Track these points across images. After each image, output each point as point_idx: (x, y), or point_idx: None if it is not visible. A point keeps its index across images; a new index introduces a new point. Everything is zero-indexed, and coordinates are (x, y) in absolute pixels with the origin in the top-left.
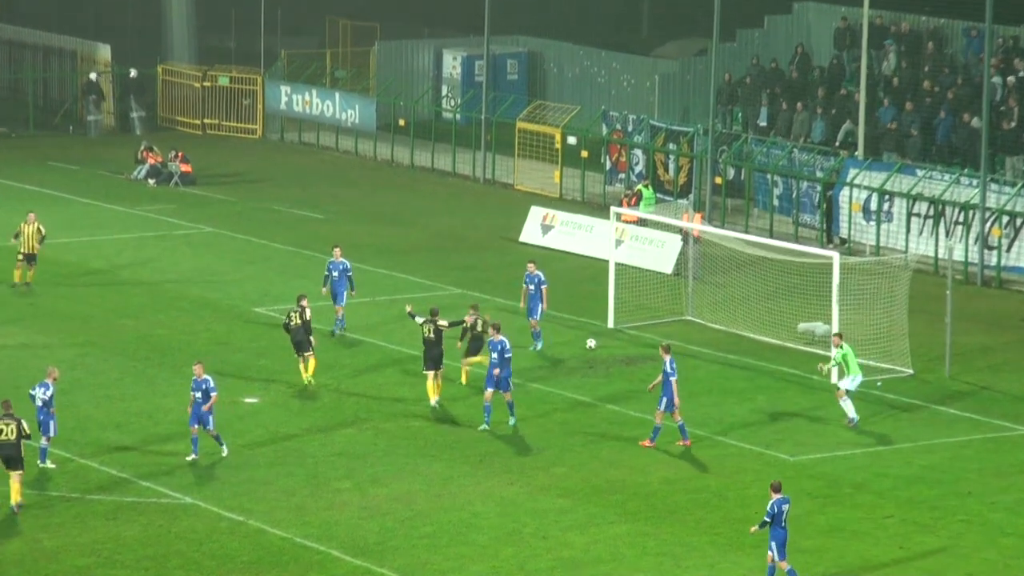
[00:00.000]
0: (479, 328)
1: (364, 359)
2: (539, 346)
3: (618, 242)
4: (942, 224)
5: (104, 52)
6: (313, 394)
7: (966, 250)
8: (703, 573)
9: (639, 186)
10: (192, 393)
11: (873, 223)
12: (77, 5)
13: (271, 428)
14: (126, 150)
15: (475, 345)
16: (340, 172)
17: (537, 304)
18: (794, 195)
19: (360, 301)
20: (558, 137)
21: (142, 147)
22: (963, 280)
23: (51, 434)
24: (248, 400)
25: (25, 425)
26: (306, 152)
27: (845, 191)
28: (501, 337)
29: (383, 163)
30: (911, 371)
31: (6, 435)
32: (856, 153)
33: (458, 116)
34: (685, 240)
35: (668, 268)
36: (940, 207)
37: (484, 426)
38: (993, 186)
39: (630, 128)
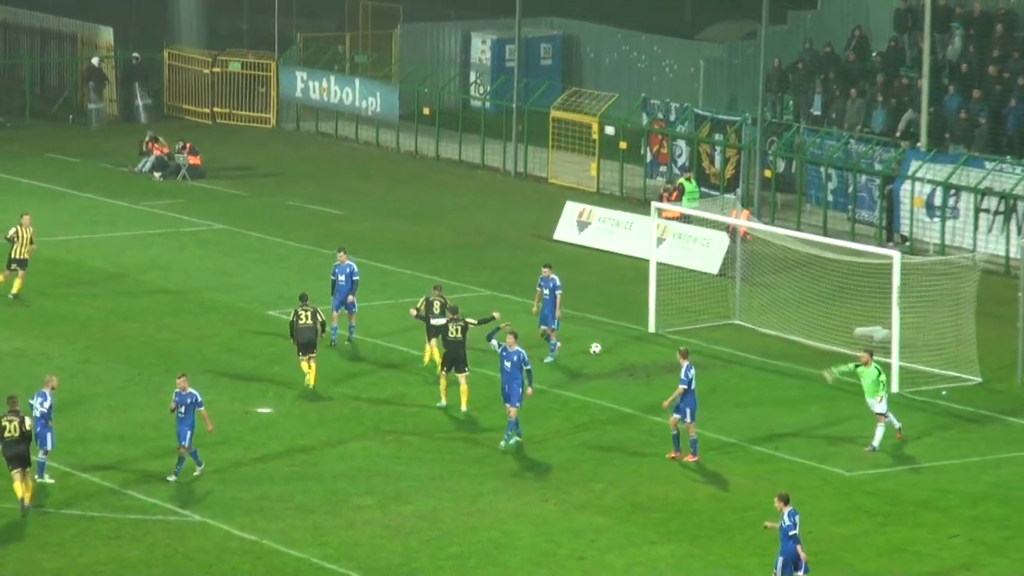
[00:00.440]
0: (436, 310)
1: (386, 367)
2: (552, 357)
3: (660, 240)
4: (1013, 220)
5: (106, 35)
6: (331, 404)
7: None
8: None
9: (681, 179)
10: (178, 408)
11: (937, 220)
12: None
13: (286, 440)
14: (130, 141)
15: (436, 329)
16: (360, 165)
17: (553, 311)
18: (850, 190)
19: (382, 303)
20: (595, 127)
21: (147, 138)
22: None
23: (49, 447)
24: (261, 410)
25: (28, 422)
26: (323, 143)
27: (906, 185)
28: (518, 347)
29: (406, 155)
30: (979, 379)
31: (10, 432)
32: (918, 144)
33: (487, 104)
34: (732, 238)
35: (714, 268)
36: (1011, 202)
37: (510, 442)
38: None
39: (672, 117)
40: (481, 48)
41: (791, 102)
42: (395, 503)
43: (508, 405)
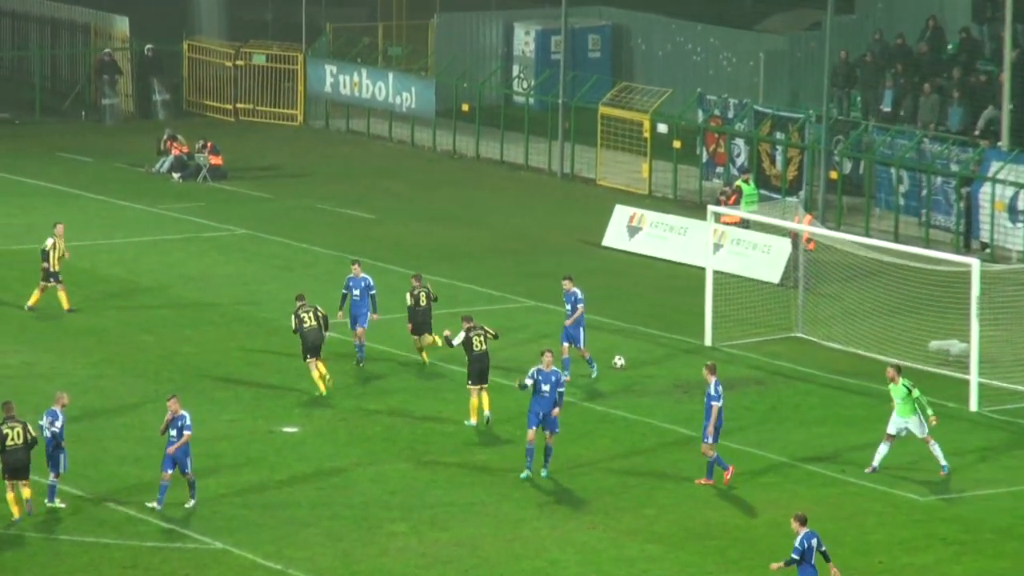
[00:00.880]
0: (422, 302)
1: (422, 382)
2: (595, 372)
3: (716, 246)
4: None
5: (122, 25)
6: (362, 422)
7: None
8: None
9: (738, 181)
10: (168, 431)
11: (1020, 225)
12: None
13: (314, 462)
14: (147, 139)
15: (422, 320)
16: (394, 165)
17: (577, 328)
18: (924, 193)
19: None
20: (647, 124)
21: (165, 136)
22: None
23: (61, 470)
24: (287, 430)
25: (31, 429)
26: (354, 142)
27: (986, 187)
28: (554, 367)
29: (444, 154)
30: None
31: (13, 439)
32: (999, 143)
33: (531, 100)
34: (794, 244)
35: (775, 277)
36: None
37: (526, 473)
38: None
39: (730, 114)
40: (524, 39)
41: (859, 98)
42: (431, 529)
43: (545, 430)
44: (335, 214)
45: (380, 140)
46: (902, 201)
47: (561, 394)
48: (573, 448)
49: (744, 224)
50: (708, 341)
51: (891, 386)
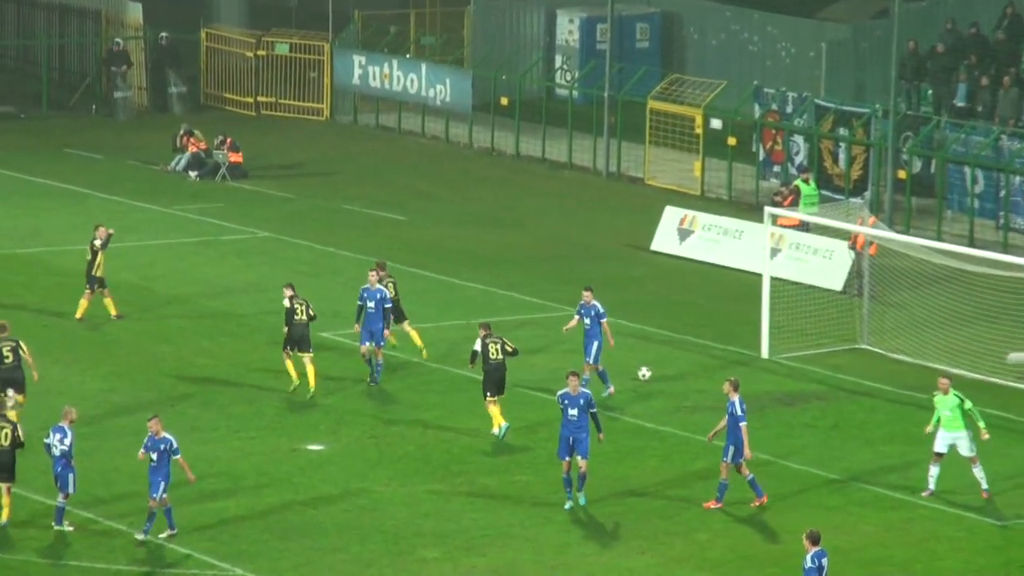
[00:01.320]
0: (394, 293)
1: (457, 396)
2: (612, 388)
3: (774, 251)
4: None
5: (135, 12)
6: (392, 439)
7: None
8: None
9: (797, 180)
10: (147, 454)
11: None
12: None
13: (341, 482)
14: (161, 135)
15: (397, 312)
16: (427, 163)
17: (592, 342)
18: (1001, 194)
19: (451, 324)
20: (699, 120)
21: (181, 131)
22: None
23: (70, 491)
24: (312, 447)
25: (20, 431)
26: (384, 138)
27: None
28: (582, 388)
29: (481, 151)
30: None
31: None
32: None
33: (575, 93)
34: (855, 250)
35: (837, 284)
36: None
37: (569, 504)
38: None
39: (789, 109)
40: (568, 28)
41: (929, 92)
42: (467, 555)
43: (578, 458)
44: (364, 216)
45: (412, 136)
46: (977, 203)
47: (595, 415)
48: (620, 468)
49: (804, 227)
50: (764, 353)
51: (939, 397)
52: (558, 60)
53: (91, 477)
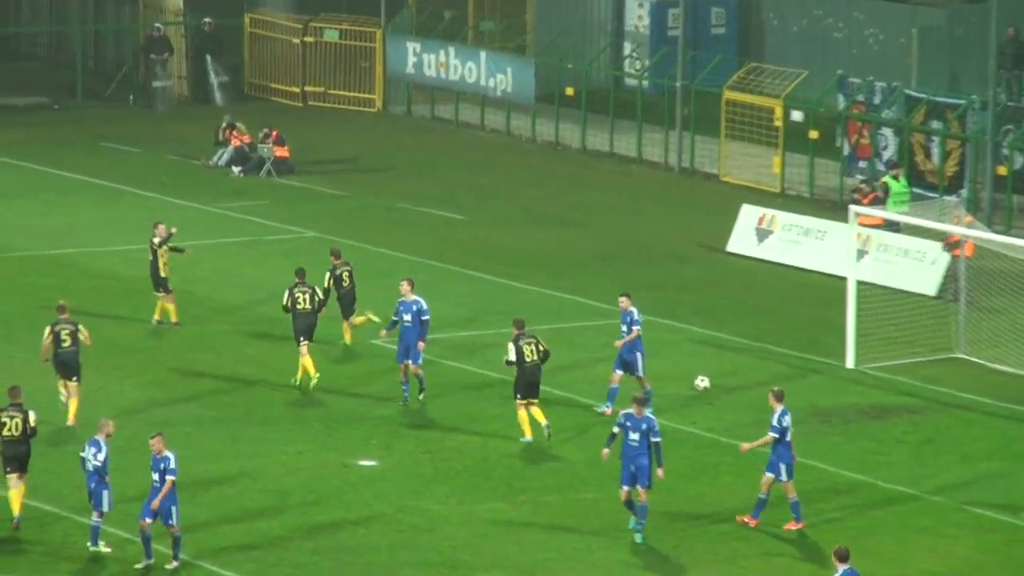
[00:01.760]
0: (346, 282)
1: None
2: (609, 406)
3: (860, 253)
4: None
5: None
6: (450, 454)
7: None
8: None
9: (886, 177)
10: (152, 474)
11: None
12: None
13: (395, 500)
14: (203, 128)
15: (348, 301)
16: (486, 157)
17: (635, 353)
18: None
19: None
20: (778, 111)
21: (224, 124)
22: None
23: (106, 508)
24: (363, 463)
25: (32, 418)
26: (441, 130)
27: None
28: (647, 412)
29: (544, 146)
30: None
31: (10, 429)
32: None
33: (645, 83)
34: (951, 251)
35: (931, 289)
36: None
37: (638, 537)
38: None
39: (877, 100)
40: (638, 13)
41: None
42: None
43: (639, 488)
44: (418, 214)
45: (470, 129)
46: None
47: (657, 444)
48: (695, 486)
49: (893, 227)
50: (850, 362)
51: None
52: (627, 47)
53: (128, 494)
